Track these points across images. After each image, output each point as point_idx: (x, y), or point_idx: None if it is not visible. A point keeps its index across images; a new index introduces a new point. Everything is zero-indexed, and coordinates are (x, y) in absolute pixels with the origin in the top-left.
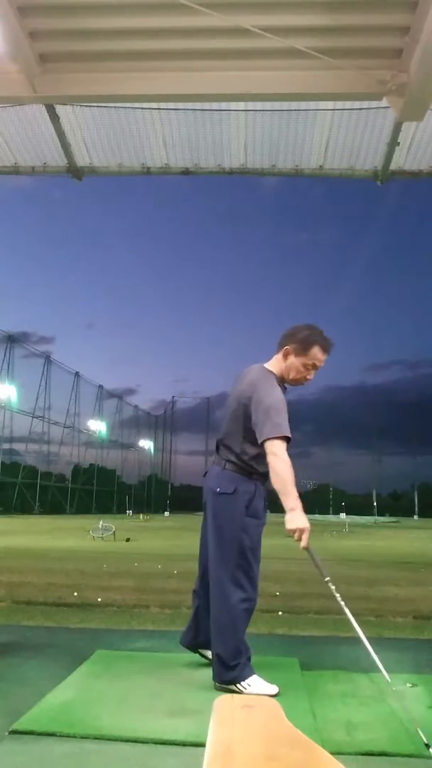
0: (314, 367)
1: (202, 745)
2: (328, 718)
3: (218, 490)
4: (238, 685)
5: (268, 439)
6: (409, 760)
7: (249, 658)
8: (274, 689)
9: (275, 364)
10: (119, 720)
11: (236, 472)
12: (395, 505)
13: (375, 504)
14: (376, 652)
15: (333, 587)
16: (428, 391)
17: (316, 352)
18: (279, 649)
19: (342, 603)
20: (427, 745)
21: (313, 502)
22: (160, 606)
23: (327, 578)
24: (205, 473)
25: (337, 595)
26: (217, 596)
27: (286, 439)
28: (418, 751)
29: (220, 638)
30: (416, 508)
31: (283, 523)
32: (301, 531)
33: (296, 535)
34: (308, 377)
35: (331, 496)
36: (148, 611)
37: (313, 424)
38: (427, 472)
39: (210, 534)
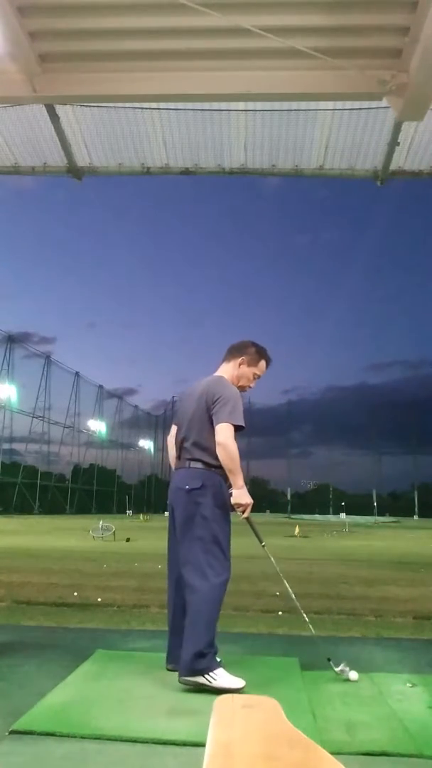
0: (258, 377)
1: (202, 745)
2: (328, 718)
3: (187, 487)
4: (207, 676)
5: (225, 422)
6: (409, 760)
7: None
8: (241, 683)
9: (228, 371)
10: (119, 720)
11: (202, 469)
12: (395, 505)
13: (375, 504)
14: (377, 652)
15: (267, 550)
16: (428, 392)
17: (263, 365)
18: (279, 649)
19: (277, 567)
20: (329, 659)
21: (313, 502)
22: (159, 606)
23: (263, 543)
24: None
25: (273, 559)
26: (198, 586)
27: (239, 428)
28: (418, 751)
29: (199, 629)
30: (416, 508)
31: (283, 523)
32: (247, 505)
33: (240, 509)
34: (251, 385)
35: (331, 496)
36: (148, 611)
37: (313, 424)
38: (427, 472)
39: (181, 531)
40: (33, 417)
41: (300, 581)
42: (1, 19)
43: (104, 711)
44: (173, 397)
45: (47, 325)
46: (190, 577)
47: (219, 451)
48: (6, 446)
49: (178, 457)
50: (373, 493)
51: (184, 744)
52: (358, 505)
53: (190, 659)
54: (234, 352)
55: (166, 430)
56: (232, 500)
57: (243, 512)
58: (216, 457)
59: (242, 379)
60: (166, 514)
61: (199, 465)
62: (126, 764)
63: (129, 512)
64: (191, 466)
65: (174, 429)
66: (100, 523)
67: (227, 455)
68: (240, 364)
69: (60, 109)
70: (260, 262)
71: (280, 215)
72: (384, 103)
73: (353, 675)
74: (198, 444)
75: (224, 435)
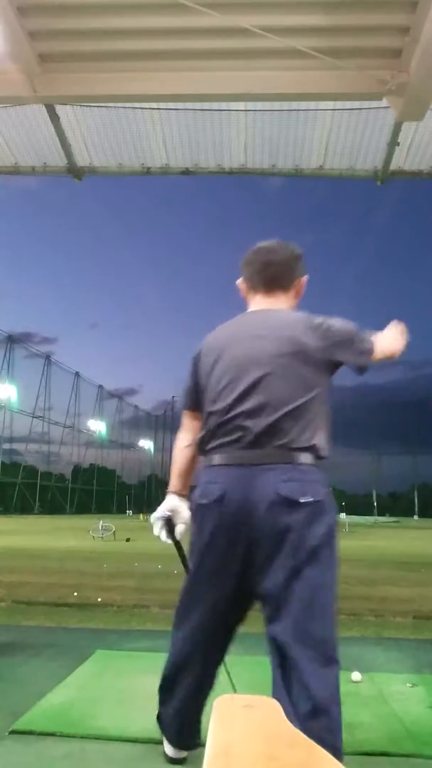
0: None
1: (202, 745)
2: None
3: (302, 500)
4: None
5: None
6: (409, 760)
7: None
8: None
9: (289, 303)
10: (119, 720)
11: (315, 467)
12: (395, 505)
13: (375, 504)
14: (377, 652)
15: None
16: (429, 392)
17: None
18: None
19: None
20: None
21: None
22: (160, 606)
23: None
24: (207, 487)
25: None
26: (321, 656)
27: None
28: (418, 751)
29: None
30: (416, 508)
31: None
32: None
33: None
34: None
35: None
36: (148, 611)
37: None
38: (427, 472)
39: (292, 575)
40: (33, 417)
41: None
42: (1, 19)
43: (104, 711)
44: (173, 397)
45: (49, 325)
46: (318, 644)
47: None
48: (6, 446)
49: (256, 445)
50: (373, 493)
51: None
52: (358, 505)
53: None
54: (289, 270)
55: (166, 431)
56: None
57: None
58: (326, 450)
59: None
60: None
61: (309, 459)
62: (126, 764)
63: (129, 512)
64: (300, 461)
65: (186, 416)
66: (100, 523)
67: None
68: (299, 292)
69: (60, 109)
70: None
71: (281, 215)
72: (384, 103)
73: (356, 676)
74: (302, 419)
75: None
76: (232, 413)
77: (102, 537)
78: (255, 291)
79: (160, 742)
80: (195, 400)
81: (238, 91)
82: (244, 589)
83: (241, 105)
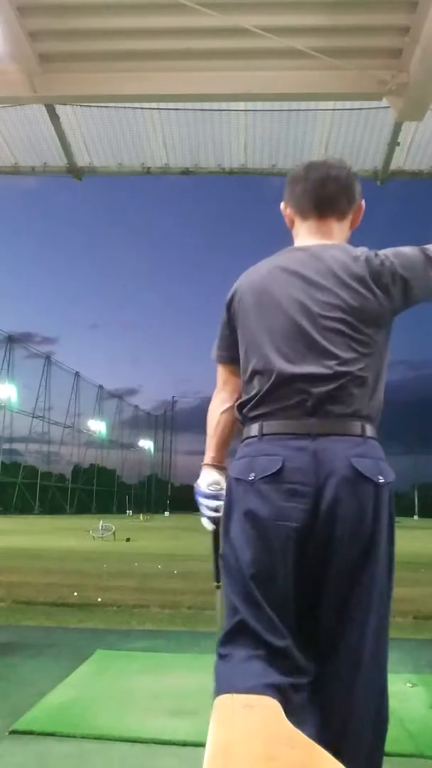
0: None
1: (202, 745)
2: None
3: (381, 480)
4: None
5: None
6: (409, 760)
7: None
8: None
9: (343, 235)
10: (119, 720)
11: (379, 442)
12: (395, 505)
13: None
14: None
15: None
16: (429, 392)
17: None
18: None
19: None
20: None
21: None
22: (160, 606)
23: None
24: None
25: None
26: (375, 678)
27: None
28: (418, 751)
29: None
30: (416, 508)
31: None
32: None
33: None
34: None
35: None
36: (148, 611)
37: None
38: (427, 472)
39: (358, 570)
40: (33, 417)
41: None
42: (1, 19)
43: (104, 711)
44: (173, 397)
45: (50, 326)
46: (373, 661)
47: None
48: (6, 446)
49: (319, 412)
50: None
51: (184, 744)
52: None
53: None
54: (349, 189)
55: (166, 431)
56: None
57: None
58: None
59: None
60: (167, 514)
61: (374, 432)
62: (126, 764)
63: (129, 512)
64: (368, 434)
65: (222, 371)
66: (100, 523)
67: None
68: (356, 220)
69: (60, 109)
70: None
71: (281, 215)
72: (384, 103)
73: None
74: (367, 384)
75: None
76: (287, 374)
77: (102, 537)
78: (304, 218)
79: (160, 743)
80: (232, 352)
81: (238, 91)
82: (303, 587)
83: (241, 105)
